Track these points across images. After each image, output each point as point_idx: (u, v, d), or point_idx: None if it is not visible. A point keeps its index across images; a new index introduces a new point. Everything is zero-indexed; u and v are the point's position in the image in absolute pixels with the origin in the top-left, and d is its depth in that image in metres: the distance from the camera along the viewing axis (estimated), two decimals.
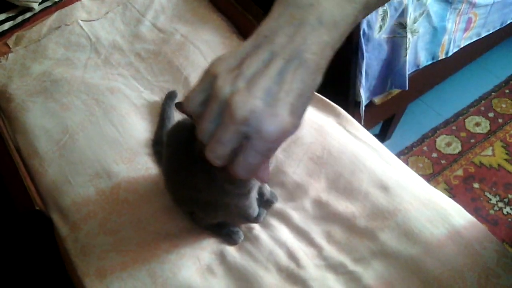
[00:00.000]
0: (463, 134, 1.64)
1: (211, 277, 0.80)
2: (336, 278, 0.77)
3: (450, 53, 1.33)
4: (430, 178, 1.53)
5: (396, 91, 1.31)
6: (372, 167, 0.87)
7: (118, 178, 0.93)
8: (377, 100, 1.31)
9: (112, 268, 0.81)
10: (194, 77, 1.10)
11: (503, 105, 1.70)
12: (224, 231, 0.84)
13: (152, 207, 0.89)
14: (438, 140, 1.63)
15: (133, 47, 1.22)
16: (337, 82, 1.20)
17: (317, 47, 0.32)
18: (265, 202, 0.87)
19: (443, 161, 1.57)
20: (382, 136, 1.63)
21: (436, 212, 0.80)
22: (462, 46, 1.38)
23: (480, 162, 1.55)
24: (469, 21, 1.30)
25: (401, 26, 1.10)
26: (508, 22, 1.45)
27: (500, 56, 1.80)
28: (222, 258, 0.82)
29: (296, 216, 0.85)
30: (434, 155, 1.59)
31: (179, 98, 1.04)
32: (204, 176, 0.67)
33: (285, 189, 0.89)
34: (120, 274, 0.80)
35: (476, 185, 1.49)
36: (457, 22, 1.26)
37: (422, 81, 1.40)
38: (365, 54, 1.09)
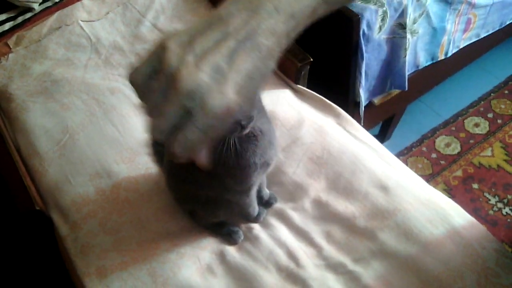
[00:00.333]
0: (462, 134, 1.64)
1: (211, 276, 0.80)
2: (336, 278, 0.77)
3: (449, 54, 1.34)
4: (430, 178, 1.53)
5: (395, 91, 1.31)
6: (372, 167, 0.88)
7: (119, 178, 0.93)
8: (376, 100, 1.31)
9: (112, 267, 0.81)
10: None
11: (502, 106, 1.71)
12: (224, 231, 0.84)
13: (152, 206, 0.89)
14: (437, 140, 1.63)
15: (134, 47, 1.22)
16: (337, 83, 1.21)
17: (271, 33, 0.32)
18: (265, 203, 0.87)
19: (442, 162, 1.57)
20: (382, 136, 1.63)
21: (435, 212, 0.81)
22: (461, 46, 1.38)
23: (479, 162, 1.55)
24: (468, 22, 1.31)
25: (400, 26, 1.11)
26: (507, 23, 1.46)
27: (499, 57, 1.81)
28: (222, 257, 0.82)
29: (296, 216, 0.86)
30: (434, 155, 1.59)
31: None
32: (205, 172, 0.67)
33: (285, 189, 0.89)
34: (120, 274, 0.80)
35: (475, 186, 1.49)
36: (456, 22, 1.26)
37: (421, 82, 1.40)
38: (364, 55, 1.09)
